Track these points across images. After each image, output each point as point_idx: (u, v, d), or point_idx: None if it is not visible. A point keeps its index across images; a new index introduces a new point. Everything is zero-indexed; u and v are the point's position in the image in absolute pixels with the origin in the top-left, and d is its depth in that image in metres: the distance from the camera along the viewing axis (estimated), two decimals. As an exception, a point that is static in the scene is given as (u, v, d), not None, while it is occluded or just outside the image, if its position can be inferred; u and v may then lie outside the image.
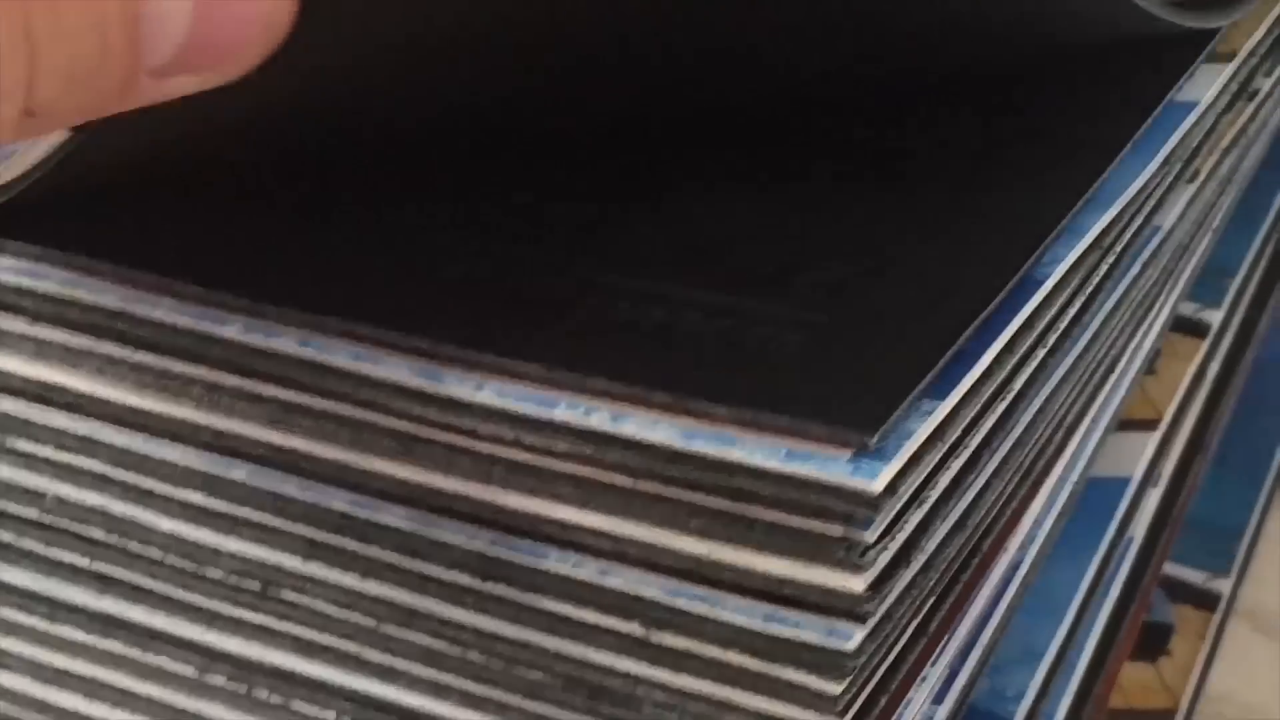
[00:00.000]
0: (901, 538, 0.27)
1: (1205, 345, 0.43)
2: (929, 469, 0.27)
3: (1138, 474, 0.39)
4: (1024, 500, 0.33)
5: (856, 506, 0.26)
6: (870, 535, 0.26)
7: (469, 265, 0.30)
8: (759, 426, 0.26)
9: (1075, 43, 0.36)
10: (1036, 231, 0.31)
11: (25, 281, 0.32)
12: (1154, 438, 0.40)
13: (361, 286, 0.30)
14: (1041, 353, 0.31)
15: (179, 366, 0.31)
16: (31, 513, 0.34)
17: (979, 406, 0.28)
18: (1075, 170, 0.32)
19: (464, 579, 0.30)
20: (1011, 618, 0.33)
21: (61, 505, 0.33)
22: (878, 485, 0.26)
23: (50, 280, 0.31)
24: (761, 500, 0.27)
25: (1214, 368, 0.43)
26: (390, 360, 0.29)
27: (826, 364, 0.27)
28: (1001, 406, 0.30)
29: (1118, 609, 0.40)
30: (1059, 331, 0.32)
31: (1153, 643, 0.45)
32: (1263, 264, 0.46)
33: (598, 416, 0.28)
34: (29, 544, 0.34)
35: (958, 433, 0.28)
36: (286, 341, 0.30)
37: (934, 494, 0.28)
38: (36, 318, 0.32)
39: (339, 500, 0.31)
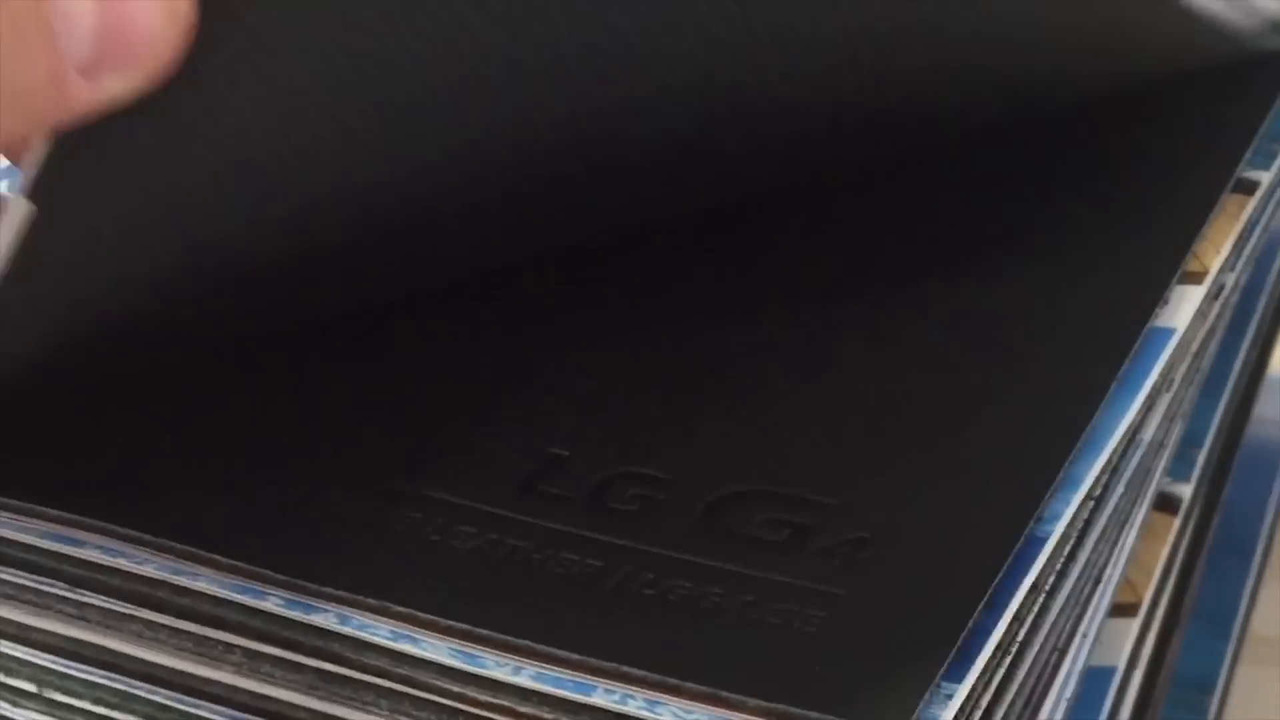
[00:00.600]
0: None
1: (1178, 521, 0.45)
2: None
3: (1122, 662, 0.41)
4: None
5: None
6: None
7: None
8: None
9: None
10: (1034, 489, 0.32)
11: (65, 549, 0.33)
12: (1135, 623, 0.42)
13: (393, 568, 0.31)
14: (1042, 598, 0.32)
15: (219, 635, 0.32)
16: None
17: (992, 677, 0.30)
18: (1063, 411, 0.34)
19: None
20: None
21: (102, 753, 0.34)
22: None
23: (90, 548, 0.32)
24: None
25: (1185, 541, 0.45)
26: (429, 640, 0.30)
27: (849, 646, 0.29)
28: (1006, 661, 0.31)
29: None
30: (1056, 572, 0.33)
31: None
32: (1225, 430, 0.47)
33: (634, 704, 0.29)
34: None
35: (973, 707, 0.29)
36: (326, 617, 0.31)
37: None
38: (76, 583, 0.33)
39: (375, 760, 0.32)
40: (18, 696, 0.35)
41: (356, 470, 0.33)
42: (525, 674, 0.30)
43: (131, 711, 0.34)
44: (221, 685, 0.32)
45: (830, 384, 0.35)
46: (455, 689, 0.30)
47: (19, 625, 0.34)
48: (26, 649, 0.34)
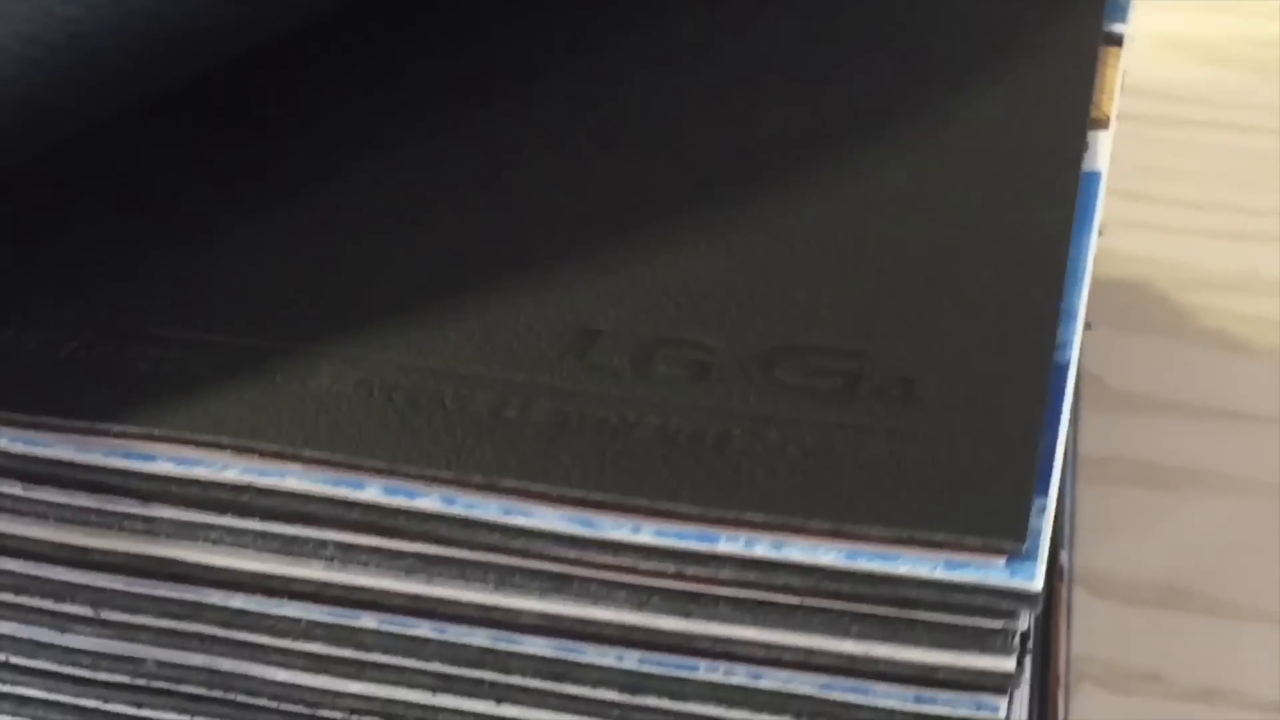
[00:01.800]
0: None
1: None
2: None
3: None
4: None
5: (1019, 604, 0.30)
6: (1024, 624, 0.30)
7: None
8: (917, 544, 0.30)
9: None
10: (1045, 320, 0.35)
11: (134, 464, 0.33)
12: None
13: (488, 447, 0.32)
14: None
15: (310, 533, 0.32)
16: (123, 678, 0.35)
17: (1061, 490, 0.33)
18: (1039, 250, 0.37)
19: (610, 695, 0.33)
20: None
21: (161, 667, 0.34)
22: (1038, 584, 0.30)
23: (162, 460, 0.32)
24: (924, 605, 0.30)
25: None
26: (542, 511, 0.31)
27: (940, 473, 0.31)
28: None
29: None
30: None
31: None
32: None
33: (761, 546, 0.31)
34: (118, 707, 0.35)
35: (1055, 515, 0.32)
36: (431, 501, 0.32)
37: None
38: (148, 498, 0.33)
39: (478, 637, 0.33)
40: (69, 622, 0.34)
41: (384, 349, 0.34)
42: (645, 532, 0.31)
43: (203, 619, 0.34)
44: (309, 582, 0.33)
45: (826, 237, 0.37)
46: (572, 554, 0.31)
47: (75, 549, 0.33)
48: (83, 571, 0.34)
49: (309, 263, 0.37)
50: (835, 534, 0.30)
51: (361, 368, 0.34)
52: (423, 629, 0.33)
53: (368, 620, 0.33)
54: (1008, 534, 0.30)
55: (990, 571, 0.30)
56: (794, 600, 0.31)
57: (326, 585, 0.33)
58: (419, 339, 0.35)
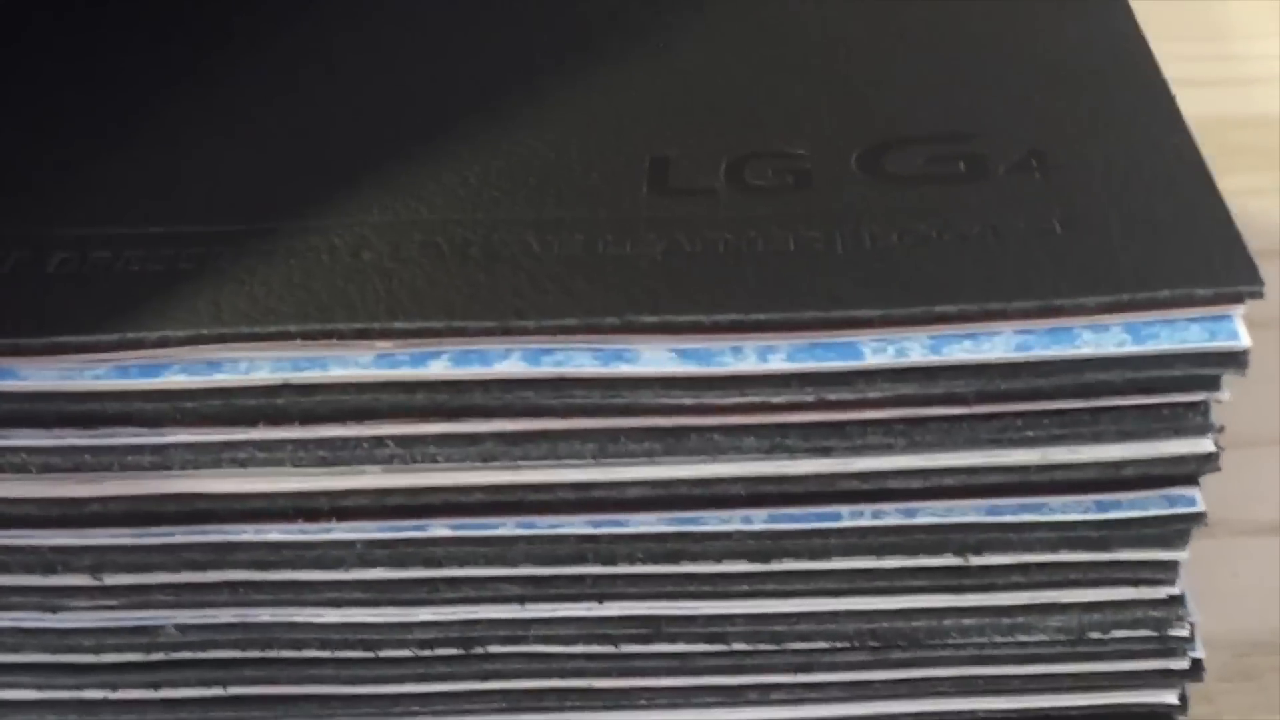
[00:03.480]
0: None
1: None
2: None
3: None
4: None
5: (1225, 367, 0.26)
6: (1225, 393, 0.26)
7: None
8: (1136, 308, 0.26)
9: None
10: (1152, 79, 0.31)
11: (138, 383, 0.27)
12: None
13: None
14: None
15: (362, 431, 0.27)
16: (135, 655, 0.29)
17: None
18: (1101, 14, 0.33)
19: (738, 567, 0.28)
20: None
21: (183, 633, 0.29)
22: (1245, 340, 0.26)
23: (174, 371, 0.27)
24: (1110, 389, 0.26)
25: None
26: (648, 351, 0.26)
27: (1141, 233, 0.27)
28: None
29: None
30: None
31: None
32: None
33: (917, 350, 0.26)
34: (131, 693, 0.29)
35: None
36: (512, 362, 0.26)
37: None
38: (157, 422, 0.27)
39: (575, 526, 0.28)
40: (63, 598, 0.28)
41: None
42: (777, 355, 0.26)
43: (233, 564, 0.28)
44: (364, 493, 0.27)
45: (883, 32, 0.33)
46: (689, 401, 0.26)
47: (66, 502, 0.27)
48: (77, 531, 0.28)
49: (302, 137, 0.31)
50: (1046, 312, 0.26)
51: (420, 230, 0.28)
52: (507, 527, 0.28)
53: (438, 528, 0.28)
54: (1240, 278, 0.26)
55: (1184, 334, 0.26)
56: (955, 411, 0.26)
57: (385, 494, 0.28)
58: (471, 193, 0.30)
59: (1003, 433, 0.27)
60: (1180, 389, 0.26)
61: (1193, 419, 0.26)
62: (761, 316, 0.26)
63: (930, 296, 0.26)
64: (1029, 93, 0.31)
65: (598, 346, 0.27)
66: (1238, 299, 0.26)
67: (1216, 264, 0.26)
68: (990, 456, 0.27)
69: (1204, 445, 0.27)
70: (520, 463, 0.27)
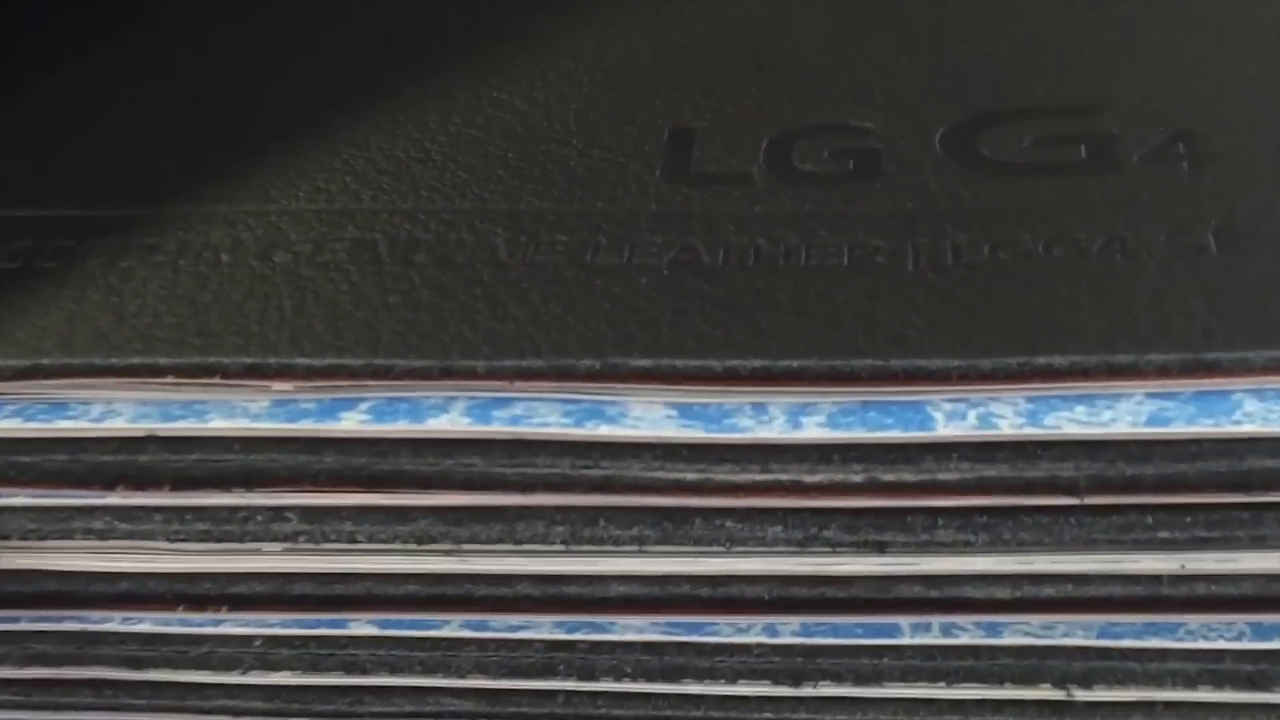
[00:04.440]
0: None
1: None
2: None
3: None
4: None
5: None
6: None
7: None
8: None
9: None
10: None
11: None
12: None
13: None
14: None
15: (255, 499, 0.20)
16: None
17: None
18: None
19: (760, 689, 0.21)
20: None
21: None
22: None
23: (16, 418, 0.20)
24: (1278, 479, 0.19)
25: None
26: (638, 406, 0.19)
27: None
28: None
29: None
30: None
31: None
32: None
33: (1011, 417, 0.19)
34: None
35: None
36: (454, 419, 0.19)
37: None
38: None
39: (543, 628, 0.21)
40: None
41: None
42: (814, 419, 0.19)
43: (95, 661, 0.21)
44: (261, 578, 0.20)
45: None
46: (692, 476, 0.19)
47: None
48: None
49: (215, 99, 0.24)
50: (1195, 369, 0.19)
51: (355, 222, 0.22)
52: (451, 627, 0.22)
53: (361, 625, 0.21)
54: None
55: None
56: (1060, 502, 0.19)
57: (289, 579, 0.21)
58: (431, 173, 0.23)
59: (1126, 532, 0.19)
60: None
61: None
62: (795, 364, 0.19)
63: (1030, 341, 0.19)
64: (1177, 56, 0.24)
65: (571, 398, 0.19)
66: None
67: None
68: (1107, 563, 0.19)
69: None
70: (466, 547, 0.20)
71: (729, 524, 0.20)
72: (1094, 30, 0.25)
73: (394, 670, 0.21)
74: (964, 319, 0.20)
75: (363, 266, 0.21)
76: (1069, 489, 0.19)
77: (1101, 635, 0.20)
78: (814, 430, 0.19)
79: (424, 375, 0.20)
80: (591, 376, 0.20)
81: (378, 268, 0.21)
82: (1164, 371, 0.19)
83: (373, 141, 0.23)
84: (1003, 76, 0.24)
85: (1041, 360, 0.19)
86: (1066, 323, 0.19)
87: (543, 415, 0.19)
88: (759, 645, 0.21)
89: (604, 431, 0.19)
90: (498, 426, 0.19)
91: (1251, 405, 0.19)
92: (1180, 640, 0.20)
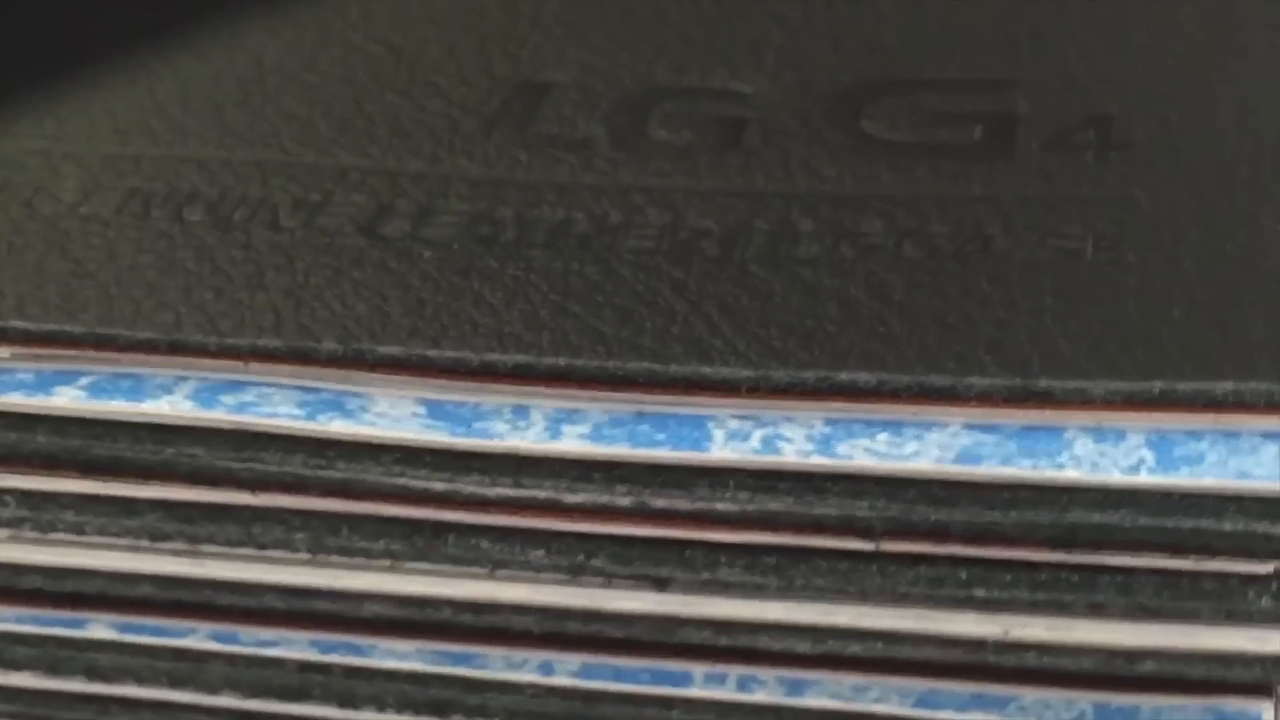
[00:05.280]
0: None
1: None
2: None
3: None
4: None
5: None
6: (1314, 562, 0.15)
7: None
8: (1174, 404, 0.15)
9: None
10: None
11: None
12: None
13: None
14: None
15: None
16: None
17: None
18: None
19: None
20: None
21: None
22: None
23: None
24: (1120, 538, 0.15)
25: None
26: (385, 400, 0.16)
27: (1213, 271, 0.17)
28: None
29: None
30: None
31: None
32: None
33: (800, 443, 0.16)
34: None
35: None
36: (177, 402, 0.17)
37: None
38: None
39: (297, 646, 0.18)
40: None
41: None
42: (575, 429, 0.16)
43: None
44: None
45: None
46: (440, 486, 0.17)
47: None
48: None
49: None
50: (1020, 397, 0.16)
51: (128, 170, 0.19)
52: (198, 637, 0.19)
53: (99, 628, 0.19)
54: None
55: (1256, 460, 0.15)
56: (857, 547, 0.16)
57: (16, 570, 0.18)
58: (200, 122, 0.20)
59: (937, 587, 0.16)
60: (1240, 551, 0.15)
61: (1257, 600, 0.15)
62: (561, 362, 0.16)
63: (839, 353, 0.16)
64: (1109, 33, 0.21)
65: (311, 386, 0.17)
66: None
67: None
68: (920, 621, 0.16)
69: (1274, 643, 0.16)
70: (204, 548, 0.17)
71: (485, 543, 0.17)
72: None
73: (140, 680, 0.19)
74: (771, 322, 0.17)
75: (125, 220, 0.19)
76: (864, 532, 0.16)
77: (920, 704, 0.17)
78: (573, 442, 0.16)
79: (150, 349, 0.17)
80: (334, 362, 0.17)
81: (141, 223, 0.19)
82: (986, 399, 0.16)
83: (195, 80, 0.21)
84: (913, 43, 0.21)
85: (844, 376, 0.16)
86: (886, 333, 0.16)
87: (274, 404, 0.17)
88: (533, 685, 0.18)
89: (337, 427, 0.17)
90: (221, 414, 0.17)
91: (1083, 447, 0.16)
92: (1010, 716, 0.17)
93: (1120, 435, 0.16)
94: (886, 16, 0.21)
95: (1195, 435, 0.16)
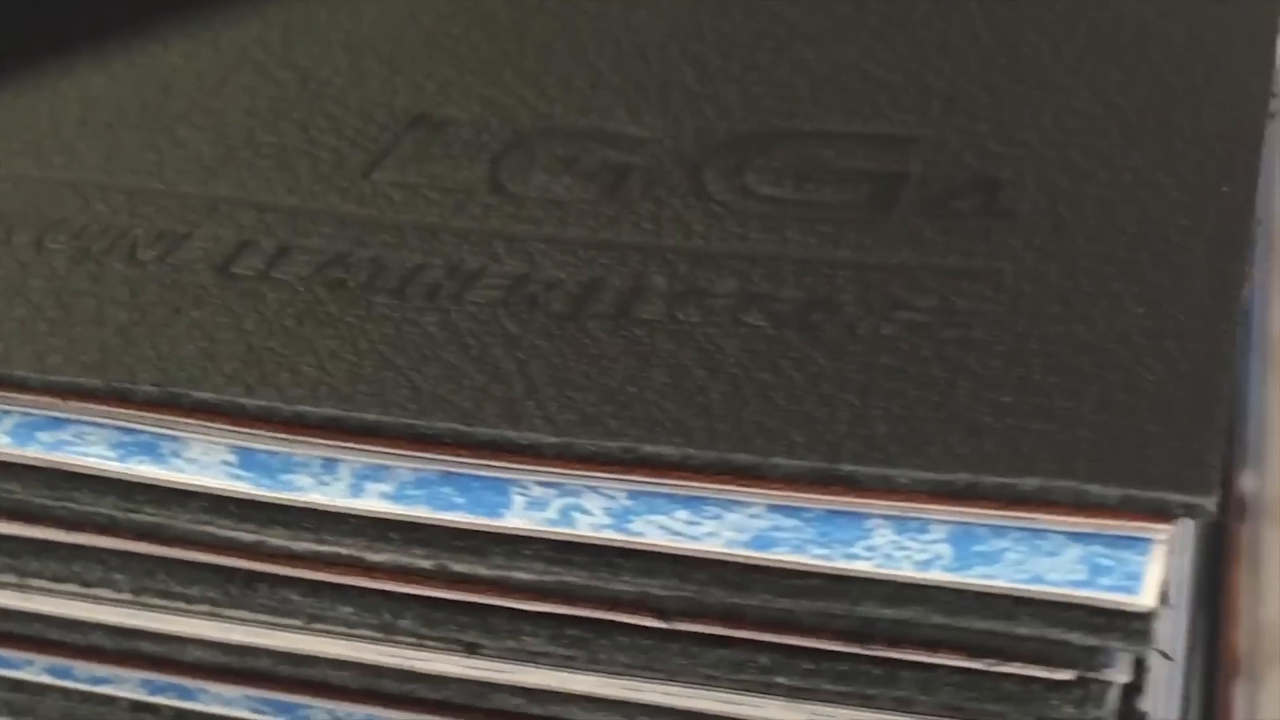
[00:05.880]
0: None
1: None
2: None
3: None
4: None
5: (1111, 635, 0.14)
6: (1122, 672, 0.14)
7: None
8: (979, 498, 0.14)
9: None
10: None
11: None
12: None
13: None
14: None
15: None
16: None
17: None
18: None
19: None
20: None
21: None
22: (1150, 593, 0.14)
23: None
24: (909, 634, 0.15)
25: None
26: (198, 446, 0.16)
27: (1049, 363, 0.16)
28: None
29: None
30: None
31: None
32: None
33: (598, 514, 0.15)
34: None
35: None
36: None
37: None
38: None
39: (129, 685, 0.18)
40: None
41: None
42: (377, 487, 0.15)
43: None
44: None
45: None
46: (247, 536, 0.16)
47: None
48: None
49: None
50: (822, 479, 0.15)
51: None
52: (34, 669, 0.18)
53: None
54: (1181, 480, 0.14)
55: (1056, 563, 0.14)
56: (652, 624, 0.15)
57: None
58: (89, 145, 0.20)
59: (738, 671, 0.15)
60: (1037, 656, 0.14)
61: (1062, 707, 0.15)
62: (370, 418, 0.16)
63: (649, 425, 0.15)
64: (1014, 92, 0.20)
65: (130, 428, 0.16)
66: (1162, 513, 0.14)
67: (1155, 450, 0.14)
68: (725, 704, 0.16)
69: (1085, 749, 0.15)
70: (31, 581, 0.17)
71: (296, 596, 0.17)
72: (943, 53, 0.21)
73: (-20, 708, 0.19)
74: (592, 387, 0.16)
75: None
76: (658, 611, 0.15)
77: (733, 789, 0.16)
78: (375, 500, 0.16)
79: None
80: (152, 405, 0.17)
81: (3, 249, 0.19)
82: (790, 480, 0.15)
83: (98, 101, 0.21)
84: (826, 92, 0.20)
85: (648, 449, 0.15)
86: (703, 404, 0.16)
87: (89, 444, 0.17)
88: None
89: (146, 471, 0.16)
90: (36, 451, 0.17)
91: (882, 537, 0.15)
92: (821, 809, 0.16)
93: (923, 527, 0.15)
94: (805, 64, 0.21)
95: (999, 532, 0.15)
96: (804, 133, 0.19)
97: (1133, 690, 0.15)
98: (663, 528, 0.15)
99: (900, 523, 0.15)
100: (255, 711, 0.18)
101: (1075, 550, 0.15)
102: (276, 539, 0.16)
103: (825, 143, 0.19)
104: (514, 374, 0.16)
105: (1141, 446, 0.15)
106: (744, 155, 0.19)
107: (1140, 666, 0.15)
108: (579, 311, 0.17)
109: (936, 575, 0.15)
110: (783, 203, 0.18)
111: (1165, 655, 0.16)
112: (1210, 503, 0.14)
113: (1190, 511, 0.14)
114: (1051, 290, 0.17)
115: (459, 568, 0.16)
